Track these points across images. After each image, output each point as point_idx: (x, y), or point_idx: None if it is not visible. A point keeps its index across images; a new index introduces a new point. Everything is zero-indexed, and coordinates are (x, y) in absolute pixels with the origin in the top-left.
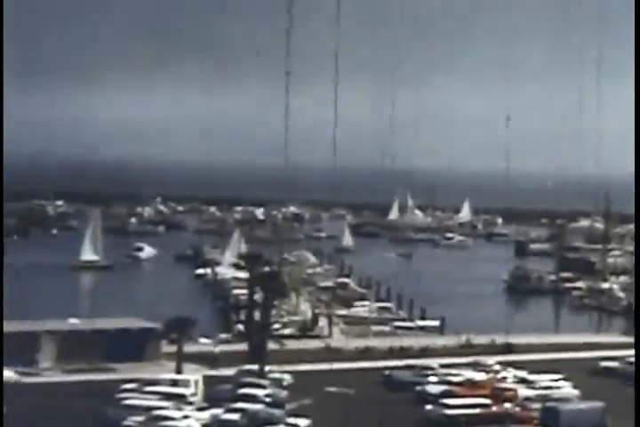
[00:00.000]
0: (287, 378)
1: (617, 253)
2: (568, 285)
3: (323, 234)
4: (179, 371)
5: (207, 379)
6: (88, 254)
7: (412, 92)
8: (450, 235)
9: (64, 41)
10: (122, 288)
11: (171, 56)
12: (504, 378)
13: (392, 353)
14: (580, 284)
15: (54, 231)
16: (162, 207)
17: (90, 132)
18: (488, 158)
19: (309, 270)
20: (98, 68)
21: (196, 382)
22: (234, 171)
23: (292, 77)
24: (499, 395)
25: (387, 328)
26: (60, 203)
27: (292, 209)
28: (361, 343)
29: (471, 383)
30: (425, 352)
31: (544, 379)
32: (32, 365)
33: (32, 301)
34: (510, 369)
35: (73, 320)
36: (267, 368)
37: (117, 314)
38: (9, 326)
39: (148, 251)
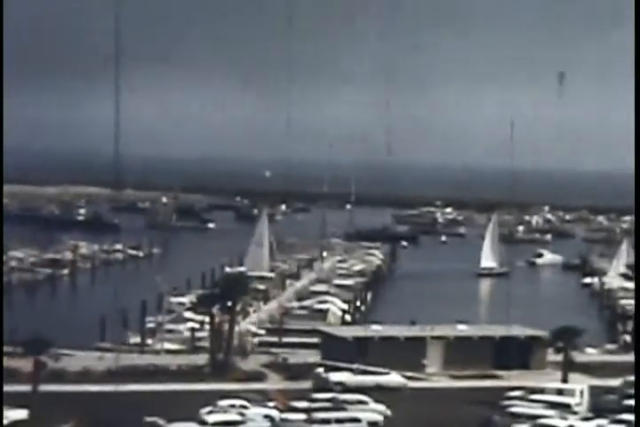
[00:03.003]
0: None
1: None
2: None
3: None
4: (564, 380)
5: (592, 389)
6: (487, 261)
7: None
8: None
9: None
10: (513, 295)
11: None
12: None
13: None
14: None
15: (443, 238)
16: (549, 216)
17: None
18: None
19: None
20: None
21: (582, 392)
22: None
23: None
24: None
25: None
26: (449, 210)
27: None
28: None
29: None
30: None
31: None
32: (419, 370)
33: (425, 306)
34: None
35: (461, 326)
36: None
37: (506, 321)
38: (395, 331)
39: (547, 258)
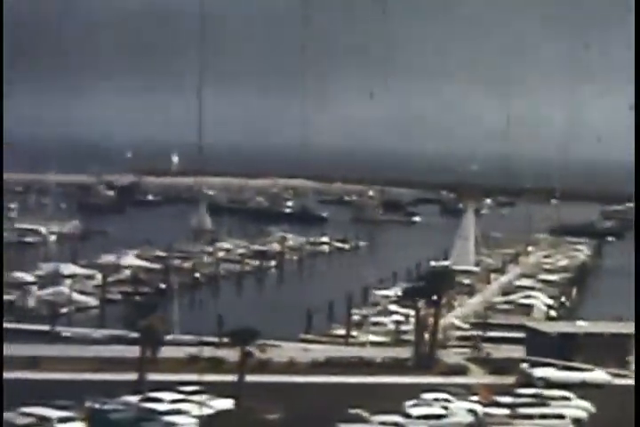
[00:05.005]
0: None
1: None
2: None
3: None
4: None
5: None
6: None
7: None
8: None
9: None
10: None
11: None
12: None
13: None
14: None
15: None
16: None
17: None
18: None
19: None
20: None
21: None
22: None
23: None
24: None
25: None
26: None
27: None
28: None
29: None
30: None
31: None
32: (625, 367)
33: (632, 302)
34: None
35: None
36: None
37: None
38: (600, 327)
39: None
